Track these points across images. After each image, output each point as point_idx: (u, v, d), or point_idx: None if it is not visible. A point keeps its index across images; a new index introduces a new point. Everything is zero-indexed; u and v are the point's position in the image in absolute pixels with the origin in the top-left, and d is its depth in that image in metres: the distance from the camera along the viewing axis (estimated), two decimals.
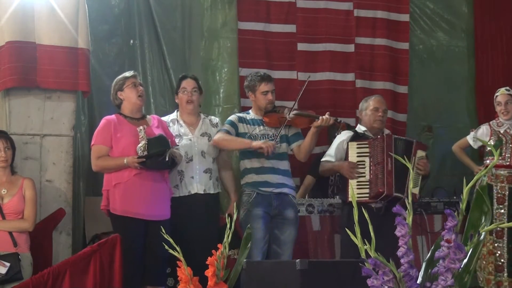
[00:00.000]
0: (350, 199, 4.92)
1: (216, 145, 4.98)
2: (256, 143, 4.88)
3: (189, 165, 4.92)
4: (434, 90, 6.97)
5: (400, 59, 6.79)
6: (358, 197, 4.92)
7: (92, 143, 4.74)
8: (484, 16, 7.03)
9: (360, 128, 5.23)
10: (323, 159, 5.24)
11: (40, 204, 4.88)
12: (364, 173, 5.01)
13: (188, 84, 5.05)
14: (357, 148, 5.08)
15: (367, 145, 5.06)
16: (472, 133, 5.72)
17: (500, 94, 5.61)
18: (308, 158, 5.25)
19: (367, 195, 4.90)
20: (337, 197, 5.69)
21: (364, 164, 5.03)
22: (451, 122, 6.90)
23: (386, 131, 5.40)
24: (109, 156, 4.66)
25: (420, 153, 5.07)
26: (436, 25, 7.03)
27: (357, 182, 5.00)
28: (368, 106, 5.22)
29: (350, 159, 5.06)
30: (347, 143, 5.11)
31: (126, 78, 4.81)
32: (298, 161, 5.28)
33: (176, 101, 5.13)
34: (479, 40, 7.02)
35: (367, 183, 4.97)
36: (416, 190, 5.05)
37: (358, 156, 5.06)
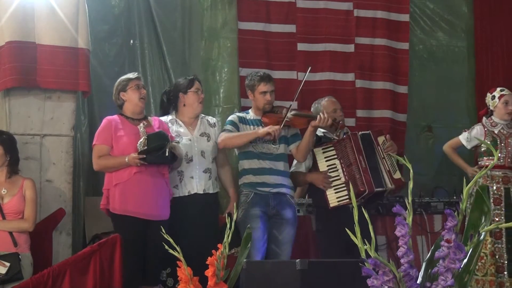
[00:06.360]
0: (332, 205, 4.95)
1: (224, 146, 4.96)
2: (262, 130, 4.89)
3: (189, 165, 4.91)
4: (434, 90, 6.98)
5: (400, 59, 6.79)
6: (338, 201, 4.95)
7: (94, 142, 4.75)
8: (484, 16, 7.04)
9: (320, 131, 5.19)
10: (292, 169, 5.22)
11: (40, 204, 4.87)
12: (338, 176, 5.02)
13: (200, 86, 5.07)
14: (323, 153, 5.10)
15: (332, 148, 5.08)
16: (465, 133, 5.62)
17: (508, 94, 5.52)
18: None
19: (347, 196, 4.86)
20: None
21: (335, 167, 5.04)
22: (451, 122, 6.90)
23: (345, 129, 5.38)
24: (110, 155, 4.67)
25: (381, 139, 5.12)
26: (436, 25, 7.04)
27: (333, 186, 5.01)
28: (324, 109, 5.16)
29: (319, 165, 5.07)
30: (312, 150, 5.11)
31: (130, 79, 4.82)
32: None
33: (183, 100, 5.03)
34: (479, 40, 7.02)
35: (343, 185, 4.96)
36: (398, 174, 5.05)
37: (327, 161, 5.07)
